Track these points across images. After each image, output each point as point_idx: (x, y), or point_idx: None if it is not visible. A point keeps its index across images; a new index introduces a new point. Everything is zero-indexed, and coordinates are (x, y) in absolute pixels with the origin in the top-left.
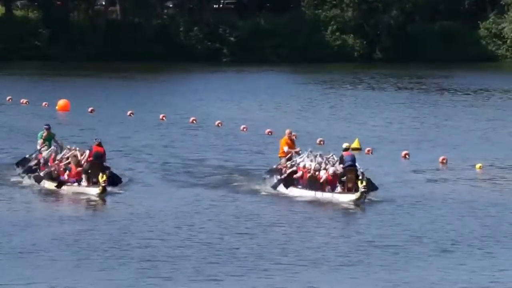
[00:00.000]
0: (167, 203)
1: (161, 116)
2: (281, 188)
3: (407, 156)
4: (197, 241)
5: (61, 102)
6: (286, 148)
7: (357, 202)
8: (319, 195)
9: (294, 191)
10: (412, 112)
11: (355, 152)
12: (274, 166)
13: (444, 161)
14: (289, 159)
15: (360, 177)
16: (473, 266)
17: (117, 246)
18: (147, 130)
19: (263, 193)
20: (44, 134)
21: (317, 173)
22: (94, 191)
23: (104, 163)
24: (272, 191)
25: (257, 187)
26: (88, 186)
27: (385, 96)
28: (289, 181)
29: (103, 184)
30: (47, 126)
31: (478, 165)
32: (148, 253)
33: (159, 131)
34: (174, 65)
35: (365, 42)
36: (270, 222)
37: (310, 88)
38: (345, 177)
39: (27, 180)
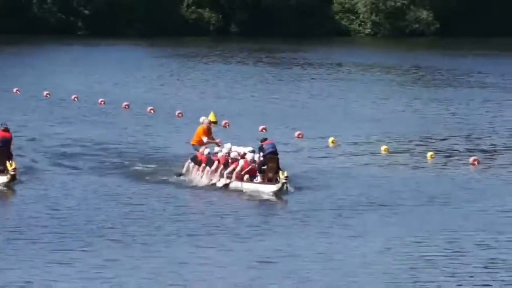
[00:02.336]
0: (74, 192)
1: (15, 89)
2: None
3: (264, 130)
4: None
5: None
6: (205, 139)
7: (278, 194)
8: (236, 184)
9: (206, 180)
10: (266, 86)
11: (212, 126)
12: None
13: (300, 135)
14: (205, 149)
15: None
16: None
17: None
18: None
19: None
20: None
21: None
22: (1, 179)
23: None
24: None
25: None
26: None
27: (240, 70)
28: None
29: (13, 172)
30: None
31: (331, 139)
32: (56, 241)
33: (19, 106)
34: (28, 39)
35: (220, 15)
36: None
37: (166, 62)
38: (265, 166)
39: None
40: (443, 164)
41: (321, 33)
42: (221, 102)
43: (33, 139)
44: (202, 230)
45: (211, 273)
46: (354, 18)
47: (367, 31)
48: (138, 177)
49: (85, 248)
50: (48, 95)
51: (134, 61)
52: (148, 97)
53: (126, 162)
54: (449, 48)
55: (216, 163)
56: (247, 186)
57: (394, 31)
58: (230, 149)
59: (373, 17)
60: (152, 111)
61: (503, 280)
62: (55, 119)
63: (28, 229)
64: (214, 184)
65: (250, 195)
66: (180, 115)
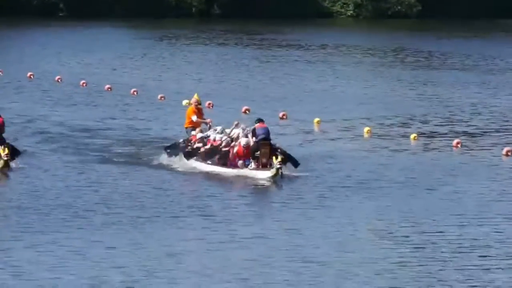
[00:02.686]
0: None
1: None
2: (182, 160)
3: (247, 111)
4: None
5: None
6: (194, 118)
7: (273, 179)
8: (229, 170)
9: (200, 165)
10: (249, 68)
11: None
12: (181, 140)
13: (285, 116)
14: (199, 132)
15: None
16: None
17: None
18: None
19: (168, 167)
20: None
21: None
22: None
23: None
24: (175, 164)
25: (158, 161)
26: None
27: (223, 52)
28: (192, 153)
29: (5, 158)
30: None
31: (315, 120)
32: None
33: (2, 87)
34: (8, 20)
35: None
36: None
37: (148, 44)
38: (258, 152)
39: None
40: (426, 146)
41: (303, 14)
42: (205, 84)
43: (17, 122)
44: (190, 214)
45: (197, 258)
46: None
47: (349, 12)
48: (122, 159)
49: (67, 231)
50: (31, 76)
51: (116, 43)
52: (130, 80)
53: (108, 144)
54: (431, 30)
55: (209, 146)
56: (241, 172)
57: (376, 12)
58: (225, 133)
59: None
60: (135, 93)
61: (484, 257)
62: (40, 100)
63: (13, 213)
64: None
65: (244, 181)
66: (162, 98)
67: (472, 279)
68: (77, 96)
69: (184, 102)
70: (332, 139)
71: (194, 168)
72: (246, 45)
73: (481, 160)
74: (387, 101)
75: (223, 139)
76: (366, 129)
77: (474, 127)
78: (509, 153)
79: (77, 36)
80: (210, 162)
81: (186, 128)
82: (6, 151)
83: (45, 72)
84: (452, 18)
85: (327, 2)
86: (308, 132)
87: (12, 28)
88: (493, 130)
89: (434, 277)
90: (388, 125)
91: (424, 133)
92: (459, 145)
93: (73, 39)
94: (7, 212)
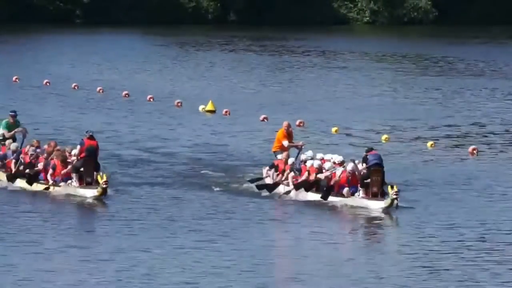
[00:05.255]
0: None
1: (14, 78)
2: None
3: (265, 119)
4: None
5: None
6: (286, 143)
7: (386, 211)
8: (333, 199)
9: (302, 195)
10: (265, 75)
11: (209, 114)
12: (266, 170)
13: (302, 124)
14: (287, 156)
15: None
16: None
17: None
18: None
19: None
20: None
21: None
22: (90, 192)
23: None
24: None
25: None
26: (81, 186)
27: (238, 59)
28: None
29: (104, 186)
30: (12, 113)
31: (334, 128)
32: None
33: (19, 94)
34: (25, 27)
35: (218, 4)
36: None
37: (164, 50)
38: (369, 179)
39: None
40: (443, 153)
41: (319, 21)
42: (220, 91)
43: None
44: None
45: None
46: (352, 6)
47: (366, 19)
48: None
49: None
50: (48, 84)
51: (133, 50)
52: (147, 86)
53: (181, 166)
54: (447, 36)
55: (306, 174)
56: (350, 202)
57: (393, 19)
58: (317, 158)
59: (371, 5)
60: (151, 99)
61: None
62: (58, 107)
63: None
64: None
65: (353, 211)
66: (179, 104)
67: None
68: (94, 103)
69: (200, 108)
70: (351, 146)
71: (292, 197)
72: (262, 52)
73: (497, 166)
74: (404, 108)
75: (328, 167)
76: (384, 136)
77: (491, 133)
78: None
79: (94, 43)
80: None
81: (275, 151)
82: (105, 177)
83: (62, 78)
84: (468, 24)
85: (343, 8)
86: (327, 139)
87: (30, 35)
88: (509, 136)
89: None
90: (405, 132)
91: (441, 140)
92: (475, 152)
93: (89, 46)
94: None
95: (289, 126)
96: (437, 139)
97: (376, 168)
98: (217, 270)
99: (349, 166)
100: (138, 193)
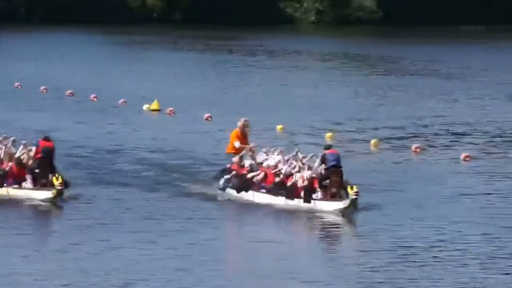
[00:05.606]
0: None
1: None
2: (234, 192)
3: (209, 118)
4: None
5: None
6: (237, 144)
7: (345, 211)
8: (292, 202)
9: (258, 197)
10: (210, 74)
11: (154, 113)
12: (228, 166)
13: (247, 122)
14: (240, 158)
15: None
16: None
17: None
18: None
19: (220, 198)
20: None
21: (287, 177)
22: (44, 194)
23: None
24: (224, 195)
25: (208, 190)
26: (35, 188)
27: (183, 58)
28: (246, 184)
29: (59, 187)
30: None
31: (279, 127)
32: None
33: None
34: None
35: (164, 3)
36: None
37: (109, 50)
38: (328, 180)
39: None
40: (387, 151)
41: (265, 20)
42: (165, 90)
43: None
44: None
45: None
46: (298, 6)
47: (311, 19)
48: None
49: None
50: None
51: (76, 49)
52: (92, 85)
53: (137, 165)
54: (392, 36)
55: (263, 175)
56: (305, 204)
57: (338, 19)
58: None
59: (317, 5)
60: (95, 98)
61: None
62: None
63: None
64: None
65: (311, 214)
66: (123, 103)
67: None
68: (36, 101)
69: (145, 107)
70: (295, 144)
71: (251, 200)
72: (207, 51)
73: (439, 164)
74: (348, 107)
75: (283, 170)
76: (328, 134)
77: (433, 131)
78: (467, 158)
79: (34, 42)
80: (263, 191)
81: (229, 153)
82: (60, 179)
83: (3, 77)
84: (412, 25)
85: (289, 8)
86: (272, 138)
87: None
88: (451, 134)
89: None
90: (349, 130)
91: (385, 138)
92: (418, 150)
93: (31, 45)
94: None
95: (244, 126)
96: (381, 137)
97: (335, 169)
98: (161, 270)
99: (307, 173)
100: (82, 193)
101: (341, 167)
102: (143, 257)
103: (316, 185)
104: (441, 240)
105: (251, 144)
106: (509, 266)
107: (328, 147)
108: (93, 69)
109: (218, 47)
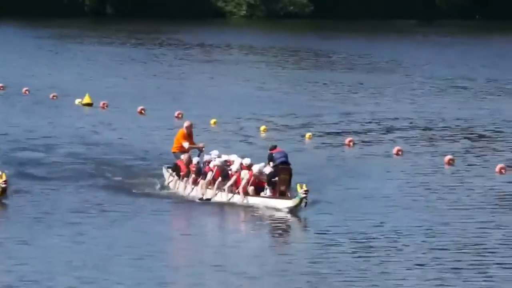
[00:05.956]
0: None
1: None
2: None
3: (143, 111)
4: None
5: None
6: (186, 145)
7: (294, 210)
8: (239, 199)
9: (202, 192)
10: (142, 67)
11: (86, 108)
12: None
13: (180, 115)
14: (189, 156)
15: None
16: None
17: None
18: None
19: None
20: None
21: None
22: None
23: None
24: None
25: (144, 184)
26: None
27: (115, 52)
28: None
29: (3, 185)
30: None
31: (212, 120)
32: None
33: None
34: None
35: None
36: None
37: (40, 43)
38: (276, 178)
39: None
40: (320, 144)
41: (196, 14)
42: (97, 84)
43: None
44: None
45: None
46: (229, 0)
47: (243, 13)
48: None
49: None
50: None
51: (6, 41)
52: (23, 79)
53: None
54: (323, 30)
55: (210, 174)
56: (254, 201)
57: (269, 13)
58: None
59: None
60: (27, 92)
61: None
62: None
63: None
64: (209, 199)
65: (260, 211)
66: (55, 97)
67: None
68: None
69: (77, 101)
70: (230, 136)
71: (193, 195)
72: (139, 45)
73: (371, 158)
74: (280, 100)
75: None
76: (262, 127)
77: (366, 125)
78: (399, 152)
79: None
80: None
81: (174, 152)
82: (4, 177)
83: None
84: (344, 18)
85: (220, 2)
86: (206, 131)
87: None
88: (383, 128)
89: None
90: (282, 124)
91: (318, 132)
92: (351, 144)
93: None
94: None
95: (190, 126)
96: (314, 132)
97: (284, 166)
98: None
99: (256, 168)
100: (14, 188)
101: (290, 164)
102: (74, 250)
103: (264, 183)
104: (378, 233)
105: (200, 144)
106: (443, 250)
107: (273, 146)
108: (23, 63)
109: (149, 41)
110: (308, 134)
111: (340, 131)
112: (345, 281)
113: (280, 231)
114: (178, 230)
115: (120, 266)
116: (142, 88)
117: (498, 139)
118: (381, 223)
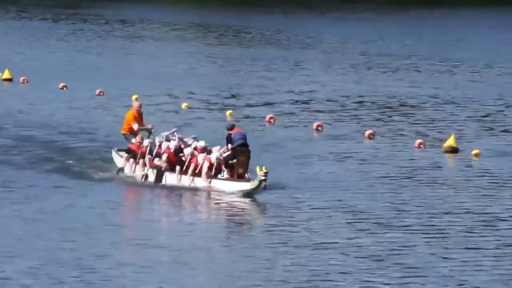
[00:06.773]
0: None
1: None
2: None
3: (64, 87)
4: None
5: None
6: (136, 126)
7: (252, 192)
8: (199, 182)
9: (167, 178)
10: (64, 44)
11: (6, 83)
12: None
13: (102, 93)
14: (141, 138)
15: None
16: None
17: None
18: None
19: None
20: None
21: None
22: None
23: None
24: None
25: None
26: None
27: (36, 27)
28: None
29: None
30: None
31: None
32: None
33: None
34: None
35: None
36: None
37: None
38: (234, 160)
39: None
40: (241, 121)
41: None
42: (16, 59)
43: None
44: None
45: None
46: None
47: None
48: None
49: None
50: None
51: None
52: None
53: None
54: (246, 6)
55: (166, 156)
56: (213, 183)
57: None
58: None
59: None
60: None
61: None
62: None
63: None
64: (160, 180)
65: (218, 194)
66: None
67: None
68: None
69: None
70: (152, 114)
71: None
72: (58, 20)
73: (294, 135)
74: (203, 77)
75: (188, 152)
76: (184, 104)
77: (288, 103)
78: (319, 128)
79: None
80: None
81: (124, 134)
82: None
83: None
84: None
85: None
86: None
87: None
88: (304, 106)
89: None
90: (204, 101)
91: (240, 107)
92: (272, 120)
93: None
94: None
95: (140, 107)
96: (235, 108)
97: (242, 149)
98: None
99: (214, 156)
100: None
101: (248, 146)
102: (23, 234)
103: (222, 165)
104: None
105: (149, 125)
106: (362, 229)
107: (231, 127)
108: None
109: (69, 17)
110: (229, 112)
111: (260, 107)
112: (299, 262)
113: (238, 216)
114: (133, 214)
115: (75, 253)
116: (64, 64)
117: (417, 114)
118: (312, 200)
